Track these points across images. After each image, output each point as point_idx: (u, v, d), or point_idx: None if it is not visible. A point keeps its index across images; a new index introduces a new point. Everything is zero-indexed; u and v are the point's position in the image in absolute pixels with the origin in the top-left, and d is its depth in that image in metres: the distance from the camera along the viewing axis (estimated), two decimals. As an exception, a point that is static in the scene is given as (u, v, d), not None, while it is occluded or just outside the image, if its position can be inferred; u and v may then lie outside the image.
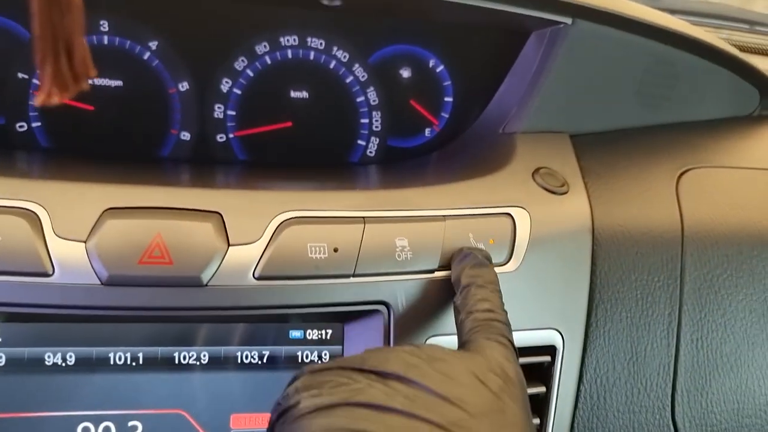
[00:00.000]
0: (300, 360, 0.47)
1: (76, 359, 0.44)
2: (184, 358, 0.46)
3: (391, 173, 0.62)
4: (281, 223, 0.44)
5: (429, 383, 0.32)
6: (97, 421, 0.45)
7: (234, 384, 0.46)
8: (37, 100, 0.33)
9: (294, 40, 0.62)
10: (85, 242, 0.41)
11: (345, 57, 0.64)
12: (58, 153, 0.59)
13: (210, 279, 0.43)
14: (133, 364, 0.45)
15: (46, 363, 0.44)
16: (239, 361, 0.46)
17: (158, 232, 0.42)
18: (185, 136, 0.62)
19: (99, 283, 0.41)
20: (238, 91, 0.62)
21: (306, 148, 0.63)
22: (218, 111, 0.62)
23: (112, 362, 0.45)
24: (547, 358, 0.51)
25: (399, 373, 0.32)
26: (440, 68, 0.66)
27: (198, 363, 0.46)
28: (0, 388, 0.43)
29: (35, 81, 0.60)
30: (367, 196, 0.48)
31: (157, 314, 0.43)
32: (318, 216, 0.45)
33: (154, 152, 0.61)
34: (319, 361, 0.48)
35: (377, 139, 0.65)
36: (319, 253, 0.44)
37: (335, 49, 0.63)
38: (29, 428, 0.43)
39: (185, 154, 0.61)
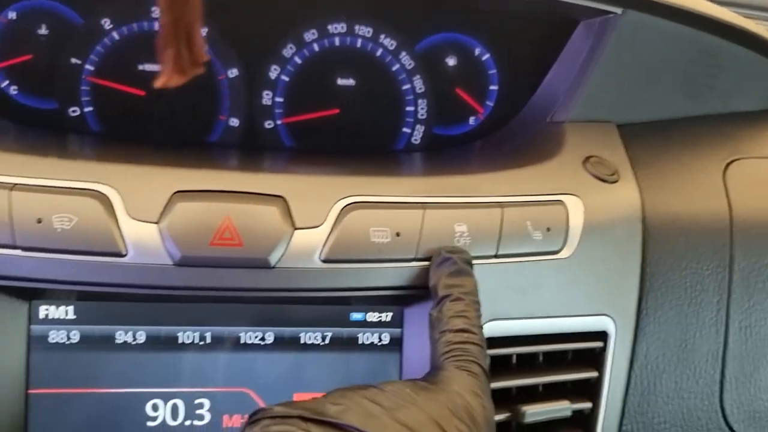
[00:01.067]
0: (360, 342, 0.48)
1: (147, 338, 0.45)
2: (250, 338, 0.47)
3: (437, 161, 0.62)
4: (344, 207, 0.45)
5: None
6: (166, 398, 0.46)
7: (297, 364, 0.47)
8: (158, 83, 0.34)
9: (342, 27, 0.63)
10: (157, 224, 0.42)
11: (392, 45, 0.64)
12: (109, 138, 0.60)
13: (278, 261, 0.44)
14: (201, 343, 0.46)
15: (117, 341, 0.45)
16: (302, 342, 0.47)
17: (227, 215, 0.42)
18: (233, 122, 0.63)
19: (171, 263, 0.42)
20: (286, 78, 0.62)
21: (352, 135, 0.64)
22: (266, 98, 0.63)
23: (180, 341, 0.46)
24: (600, 344, 0.51)
25: (357, 426, 0.32)
26: (486, 56, 0.66)
27: (263, 343, 0.47)
28: (73, 364, 0.44)
29: (88, 66, 0.61)
30: (425, 183, 0.48)
31: (226, 294, 0.44)
32: (379, 201, 0.45)
33: (203, 138, 0.61)
34: (379, 343, 0.49)
35: (422, 127, 0.66)
36: (382, 238, 0.45)
37: (382, 37, 0.63)
38: (101, 404, 0.45)
39: (233, 140, 0.62)
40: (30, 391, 0.44)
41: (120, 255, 0.42)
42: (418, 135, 0.66)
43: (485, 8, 0.63)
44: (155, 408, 0.46)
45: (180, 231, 0.42)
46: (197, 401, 0.46)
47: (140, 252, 0.42)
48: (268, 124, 0.63)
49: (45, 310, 0.44)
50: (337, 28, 0.63)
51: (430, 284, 0.44)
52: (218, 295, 0.44)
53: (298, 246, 0.44)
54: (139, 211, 0.42)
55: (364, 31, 0.63)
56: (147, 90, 0.60)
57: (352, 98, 0.64)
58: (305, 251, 0.44)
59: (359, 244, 0.44)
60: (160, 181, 0.43)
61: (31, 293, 0.43)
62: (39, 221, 0.41)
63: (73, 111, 0.61)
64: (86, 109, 0.61)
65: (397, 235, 0.45)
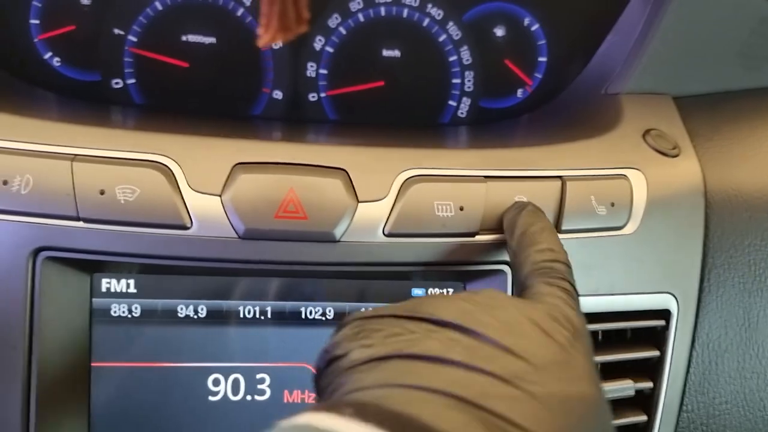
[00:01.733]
0: None
1: (207, 312, 0.45)
2: (311, 313, 0.46)
3: (488, 133, 0.61)
4: (406, 180, 0.44)
5: (489, 333, 0.29)
6: (227, 372, 0.45)
7: None
8: (262, 41, 0.33)
9: (389, -4, 0.61)
10: (220, 196, 0.41)
11: (439, 15, 0.62)
12: (151, 109, 0.59)
13: (342, 234, 0.43)
14: (262, 318, 0.45)
15: (179, 315, 0.45)
16: None
17: (291, 188, 0.41)
18: (277, 94, 0.61)
19: (236, 236, 0.41)
20: (331, 50, 0.61)
21: (396, 107, 0.63)
22: (311, 69, 0.62)
23: (241, 315, 0.45)
24: (662, 323, 0.50)
25: (456, 322, 0.30)
26: (535, 27, 0.64)
27: (324, 318, 0.46)
28: (135, 338, 0.44)
29: (131, 37, 0.59)
30: (485, 155, 0.47)
31: (290, 268, 0.43)
32: (442, 174, 0.44)
33: (245, 111, 0.60)
34: None
35: (469, 100, 0.64)
36: (446, 212, 0.44)
37: (429, 6, 0.62)
38: (163, 378, 0.44)
39: (277, 112, 0.61)
40: (93, 364, 0.44)
41: (184, 228, 0.41)
42: (464, 108, 0.64)
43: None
44: (216, 383, 0.45)
45: (244, 204, 0.41)
46: (258, 376, 0.46)
47: (205, 225, 0.41)
48: (312, 97, 0.62)
49: (107, 284, 0.44)
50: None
51: (505, 225, 0.43)
52: (282, 269, 0.43)
53: (362, 219, 0.43)
54: (202, 184, 0.41)
55: (411, 0, 0.62)
56: (190, 61, 0.59)
57: (398, 70, 0.63)
58: (369, 225, 0.43)
59: (423, 218, 0.44)
60: (221, 152, 0.42)
61: (93, 266, 0.43)
62: (102, 192, 0.40)
63: (116, 83, 0.60)
64: (129, 81, 0.60)
65: (461, 209, 0.44)
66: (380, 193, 0.43)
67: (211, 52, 0.59)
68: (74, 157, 0.41)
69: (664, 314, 0.50)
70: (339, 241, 0.43)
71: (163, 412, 0.45)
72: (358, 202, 0.43)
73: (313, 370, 0.33)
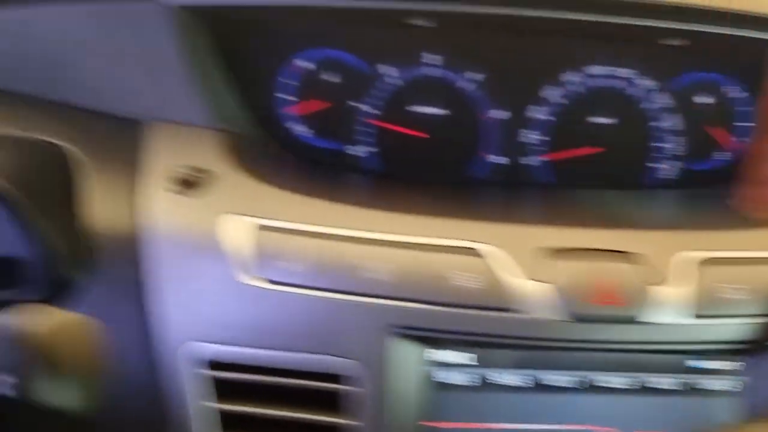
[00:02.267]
0: (703, 388, 0.53)
1: (525, 382, 0.52)
2: (605, 382, 0.52)
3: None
4: (701, 263, 0.50)
5: None
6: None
7: (644, 405, 0.53)
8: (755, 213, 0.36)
9: (603, 70, 0.67)
10: (542, 282, 0.48)
11: (650, 85, 0.68)
12: (389, 177, 0.66)
13: (649, 317, 0.49)
14: (578, 387, 0.52)
15: (500, 384, 0.52)
16: (648, 386, 0.53)
17: (603, 274, 0.48)
18: (498, 159, 0.68)
19: (564, 319, 0.48)
20: (550, 118, 0.67)
21: (608, 172, 0.68)
22: (529, 136, 0.67)
23: (550, 386, 0.52)
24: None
25: None
26: (744, 95, 0.69)
27: (618, 387, 0.52)
28: (461, 401, 0.51)
29: (373, 110, 0.66)
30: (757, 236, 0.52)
31: (604, 346, 0.49)
32: (734, 257, 0.50)
33: (466, 175, 0.67)
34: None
35: (678, 163, 0.69)
36: (736, 294, 0.50)
37: (641, 77, 0.67)
38: None
39: (497, 177, 0.67)
40: (423, 423, 0.51)
41: (514, 311, 0.48)
42: (672, 172, 0.70)
43: (752, 51, 0.66)
44: None
45: (567, 290, 0.48)
46: None
47: (534, 308, 0.48)
48: (533, 162, 0.68)
49: (440, 356, 0.51)
50: (599, 70, 0.67)
51: None
52: (598, 347, 0.49)
53: (670, 302, 0.49)
54: (523, 269, 0.48)
55: (624, 73, 0.67)
56: (428, 132, 0.65)
57: (610, 136, 0.68)
58: (677, 308, 0.49)
59: (722, 300, 0.49)
60: (530, 237, 0.49)
61: (432, 341, 0.50)
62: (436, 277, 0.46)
63: (357, 151, 0.67)
64: (370, 150, 0.67)
65: (753, 291, 0.50)
66: (679, 277, 0.49)
67: (441, 122, 0.66)
68: (402, 244, 0.48)
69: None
70: (647, 324, 0.49)
71: None
72: (658, 285, 0.49)
73: None
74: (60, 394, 0.36)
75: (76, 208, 0.50)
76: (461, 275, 0.47)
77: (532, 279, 0.48)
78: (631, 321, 0.48)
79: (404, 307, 0.48)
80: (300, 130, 0.66)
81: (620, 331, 0.49)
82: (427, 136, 0.66)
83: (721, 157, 0.71)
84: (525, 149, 0.68)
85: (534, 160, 0.69)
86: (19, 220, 0.44)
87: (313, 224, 0.49)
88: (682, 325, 0.50)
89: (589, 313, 0.48)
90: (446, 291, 0.48)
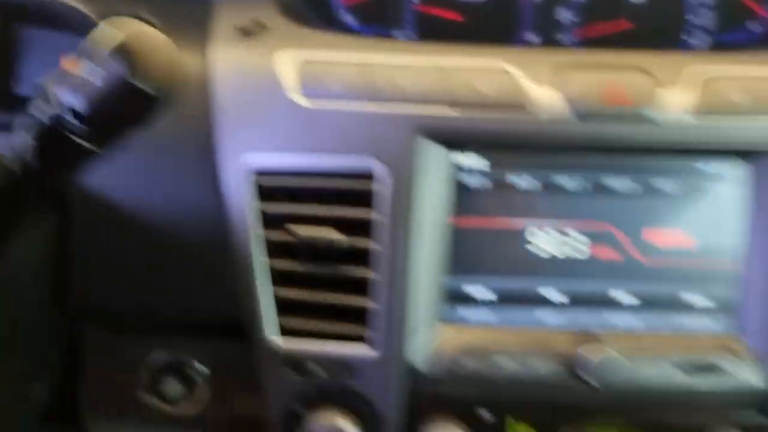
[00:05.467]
0: (708, 191, 0.59)
1: (538, 183, 0.59)
2: (614, 184, 0.59)
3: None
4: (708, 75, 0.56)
5: None
6: (547, 230, 0.60)
7: (652, 207, 0.59)
8: None
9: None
10: (554, 88, 0.55)
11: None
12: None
13: (660, 116, 0.55)
14: (579, 188, 0.59)
15: (515, 186, 0.59)
16: (656, 188, 0.59)
17: (613, 80, 0.54)
18: (534, 38, 0.74)
19: (575, 118, 0.55)
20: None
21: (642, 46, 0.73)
22: (564, 15, 0.74)
23: (561, 186, 0.59)
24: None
25: None
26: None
27: (624, 188, 0.59)
28: (482, 201, 0.60)
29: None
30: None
31: (612, 145, 0.56)
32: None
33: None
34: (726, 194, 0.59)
35: (710, 37, 0.74)
36: (740, 97, 0.55)
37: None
38: (499, 233, 0.59)
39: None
40: (450, 221, 0.59)
41: (529, 112, 0.56)
42: (705, 43, 0.74)
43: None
44: (539, 238, 0.59)
45: (578, 91, 0.55)
46: (571, 234, 0.59)
47: (545, 109, 0.56)
48: (565, 38, 0.74)
49: (463, 160, 0.59)
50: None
51: None
52: (606, 146, 0.56)
53: (674, 102, 0.55)
54: (541, 77, 0.56)
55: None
56: (466, 15, 0.73)
57: (641, 10, 0.73)
58: (679, 108, 0.55)
59: (723, 102, 0.55)
60: (551, 57, 0.56)
61: (455, 143, 0.58)
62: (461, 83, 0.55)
63: (399, 35, 0.76)
64: (412, 34, 0.75)
65: (756, 99, 0.55)
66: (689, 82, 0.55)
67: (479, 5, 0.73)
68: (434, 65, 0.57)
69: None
70: (654, 123, 0.56)
71: (499, 259, 0.60)
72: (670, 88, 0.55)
73: None
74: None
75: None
76: (484, 81, 0.56)
77: (548, 85, 0.55)
78: (637, 119, 0.55)
79: (431, 111, 0.57)
80: (347, 18, 0.76)
81: (628, 130, 0.56)
82: (465, 19, 0.74)
83: (754, 27, 0.76)
84: (560, 27, 0.75)
85: (568, 38, 0.76)
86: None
87: (351, 56, 0.59)
88: (687, 124, 0.56)
89: (598, 112, 0.55)
90: (469, 95, 0.56)
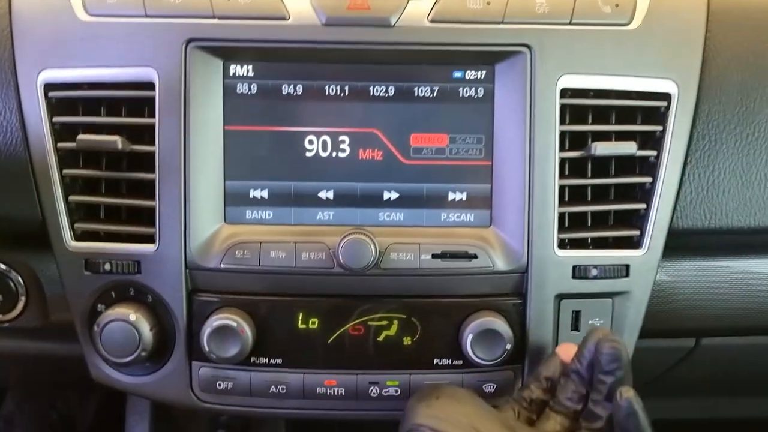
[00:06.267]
0: (460, 95, 0.65)
1: (303, 90, 0.65)
2: (377, 91, 0.65)
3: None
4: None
5: None
6: (317, 135, 0.65)
7: (413, 112, 0.65)
8: None
9: None
10: (310, -1, 0.61)
11: None
12: None
13: (396, 21, 0.61)
14: (341, 95, 0.65)
15: (283, 92, 0.65)
16: (416, 94, 0.65)
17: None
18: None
19: (320, 23, 0.61)
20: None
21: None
22: None
23: (326, 93, 0.65)
24: (664, 103, 0.64)
25: None
26: None
27: (387, 95, 0.64)
28: (253, 108, 0.64)
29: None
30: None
31: (359, 48, 0.62)
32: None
33: None
34: (475, 96, 0.65)
35: None
36: (476, 5, 0.61)
37: None
38: (273, 139, 0.65)
39: None
40: (226, 128, 0.65)
41: (284, 18, 0.61)
42: None
43: None
44: (311, 142, 0.65)
45: (325, 2, 0.61)
46: (340, 138, 0.65)
47: (298, 17, 0.61)
48: None
49: (233, 69, 0.64)
50: None
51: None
52: (353, 49, 0.62)
53: (412, 10, 0.61)
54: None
55: None
56: None
57: None
58: (417, 15, 0.61)
59: (459, 10, 0.61)
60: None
61: (223, 52, 0.63)
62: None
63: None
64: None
65: (488, 3, 0.61)
66: (425, -6, 0.61)
67: None
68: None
69: (666, 97, 0.65)
70: (394, 26, 0.61)
71: (275, 163, 0.65)
72: (408, -1, 0.61)
73: None
74: None
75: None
76: (242, -5, 0.61)
77: (298, -6, 0.61)
78: (378, 23, 0.61)
79: (198, 23, 0.62)
80: None
81: (370, 35, 0.62)
82: None
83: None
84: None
85: None
86: None
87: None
88: (425, 29, 0.62)
89: (343, 18, 0.61)
90: (231, 6, 0.62)
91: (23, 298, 0.71)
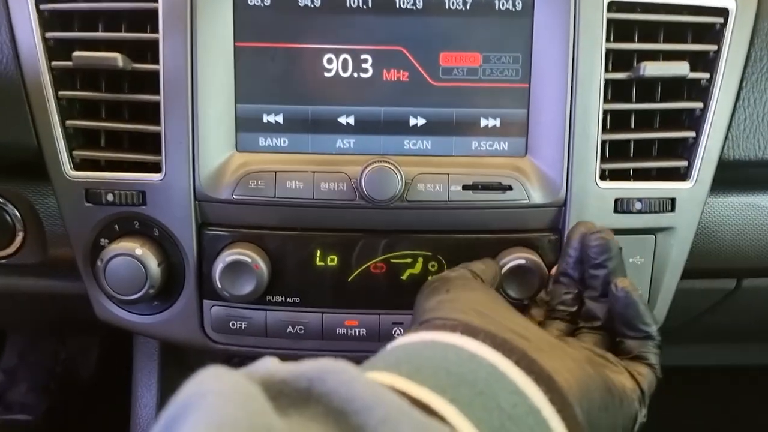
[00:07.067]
0: (497, 7, 0.59)
1: (321, 1, 0.58)
2: (404, 3, 0.58)
3: None
4: None
5: None
6: (337, 53, 0.59)
7: (444, 27, 0.58)
8: None
9: None
10: None
11: None
12: None
13: None
14: (364, 7, 0.58)
15: (299, 4, 0.58)
16: (447, 6, 0.58)
17: None
18: None
19: None
20: None
21: None
22: None
23: (348, 5, 0.58)
24: (720, 19, 0.58)
25: None
26: None
27: (414, 7, 0.58)
28: (267, 22, 0.58)
29: None
30: None
31: None
32: None
33: None
34: (513, 9, 0.59)
35: None
36: None
37: None
38: (288, 57, 0.59)
39: None
40: (237, 44, 0.59)
41: None
42: None
43: None
44: (330, 61, 0.59)
45: None
46: (362, 56, 0.59)
47: None
48: None
49: None
50: None
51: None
52: None
53: None
54: None
55: None
56: None
57: None
58: None
59: None
60: None
61: None
62: None
63: None
64: None
65: None
66: None
67: None
68: None
69: (722, 13, 0.59)
70: None
71: (290, 84, 0.59)
72: None
73: None
74: None
75: None
76: None
77: None
78: None
79: None
80: None
81: None
82: None
83: None
84: None
85: None
86: None
87: None
88: None
89: None
90: None
91: (21, 233, 0.66)
